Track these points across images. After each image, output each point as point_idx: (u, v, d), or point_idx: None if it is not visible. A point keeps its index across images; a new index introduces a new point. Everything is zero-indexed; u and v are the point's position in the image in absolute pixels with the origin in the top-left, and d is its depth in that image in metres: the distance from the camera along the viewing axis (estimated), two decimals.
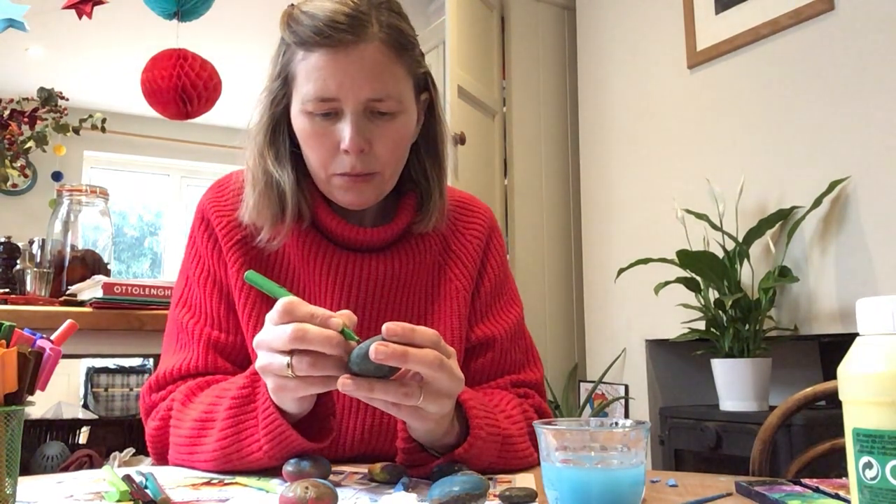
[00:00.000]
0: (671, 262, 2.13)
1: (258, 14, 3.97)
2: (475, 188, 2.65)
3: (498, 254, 1.03)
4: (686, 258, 2.10)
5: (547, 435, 0.58)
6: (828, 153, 2.04)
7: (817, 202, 1.98)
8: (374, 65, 0.83)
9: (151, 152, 5.83)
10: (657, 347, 2.58)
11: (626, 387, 2.63)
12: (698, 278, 2.16)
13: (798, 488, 0.67)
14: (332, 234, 0.92)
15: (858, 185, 1.96)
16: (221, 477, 0.77)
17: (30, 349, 0.58)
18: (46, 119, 2.46)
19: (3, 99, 2.36)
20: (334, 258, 0.92)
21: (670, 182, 2.51)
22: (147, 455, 0.91)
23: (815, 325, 2.05)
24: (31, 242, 1.84)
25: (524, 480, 0.76)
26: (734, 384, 2.06)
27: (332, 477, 0.75)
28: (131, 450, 1.69)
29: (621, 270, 2.25)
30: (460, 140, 2.62)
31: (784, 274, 2.06)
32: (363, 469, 0.81)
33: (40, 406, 2.67)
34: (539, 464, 0.60)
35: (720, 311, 2.10)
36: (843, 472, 0.53)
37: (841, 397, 0.46)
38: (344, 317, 0.69)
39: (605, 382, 2.69)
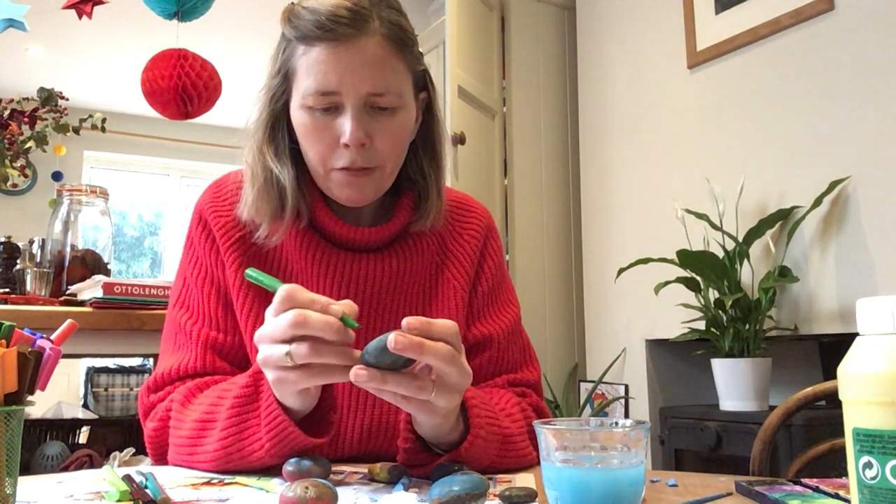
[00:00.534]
0: (671, 262, 2.13)
1: (258, 14, 3.97)
2: (475, 188, 2.66)
3: (495, 254, 1.03)
4: (686, 258, 2.10)
5: (547, 435, 0.58)
6: (828, 153, 2.04)
7: (817, 202, 1.98)
8: (375, 59, 0.83)
9: (151, 152, 5.83)
10: (657, 347, 2.58)
11: (626, 387, 2.63)
12: (698, 278, 2.16)
13: (798, 488, 0.67)
14: (330, 234, 0.92)
15: (858, 185, 1.96)
16: (221, 477, 0.77)
17: (30, 349, 0.58)
18: (46, 119, 2.46)
19: (3, 99, 2.37)
20: (332, 257, 0.92)
21: (670, 182, 2.51)
22: (147, 455, 0.91)
23: (815, 325, 2.05)
24: (31, 242, 1.84)
25: (524, 480, 0.76)
26: (734, 384, 2.06)
27: (332, 477, 0.75)
28: (131, 450, 1.69)
29: (621, 270, 2.25)
30: (460, 140, 2.62)
31: (784, 274, 2.06)
32: (363, 469, 0.81)
33: (40, 406, 2.66)
34: (539, 464, 0.60)
35: (720, 311, 2.10)
36: (843, 472, 0.53)
37: (841, 397, 0.46)
38: (345, 306, 0.69)
39: (605, 382, 2.69)
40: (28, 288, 1.72)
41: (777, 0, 2.20)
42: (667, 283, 2.15)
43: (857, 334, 0.46)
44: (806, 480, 0.70)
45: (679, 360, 2.59)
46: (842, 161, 2.00)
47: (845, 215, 1.99)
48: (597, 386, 2.70)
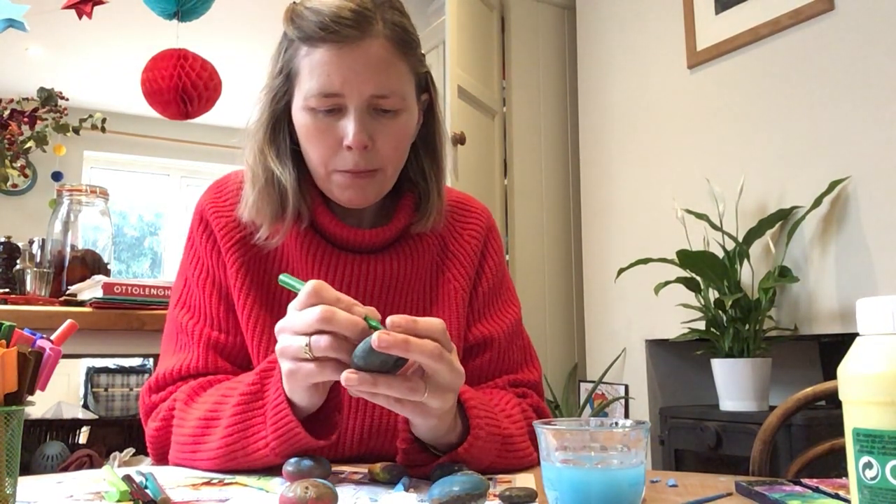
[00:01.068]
0: (671, 262, 2.13)
1: (258, 14, 3.97)
2: (475, 188, 2.66)
3: (496, 254, 1.03)
4: (686, 258, 2.10)
5: (547, 435, 0.58)
6: (828, 153, 2.05)
7: (817, 202, 1.98)
8: (379, 61, 0.83)
9: (151, 152, 5.83)
10: (657, 347, 2.58)
11: (626, 387, 2.63)
12: (698, 278, 2.16)
13: (798, 488, 0.67)
14: (331, 235, 0.92)
15: (858, 185, 1.96)
16: (221, 477, 0.77)
17: (30, 349, 0.58)
18: (46, 119, 2.47)
19: (3, 99, 2.37)
20: (332, 259, 0.92)
21: (670, 182, 2.52)
22: (147, 455, 0.91)
23: (815, 325, 2.05)
24: (31, 242, 1.84)
25: (524, 480, 0.76)
26: (734, 384, 2.06)
27: (332, 477, 0.75)
28: (131, 450, 1.69)
29: (621, 270, 2.25)
30: (460, 140, 2.62)
31: (784, 274, 2.06)
32: (363, 469, 0.81)
33: (40, 406, 2.66)
34: (539, 464, 0.60)
35: (720, 311, 2.10)
36: (843, 472, 0.53)
37: (841, 397, 0.46)
38: (369, 311, 0.69)
39: (605, 382, 2.69)
40: (28, 288, 1.72)
41: (777, 0, 2.20)
42: (667, 283, 2.15)
43: (857, 334, 0.46)
44: (806, 480, 0.70)
45: (679, 360, 2.59)
46: (842, 161, 2.00)
47: (845, 215, 1.99)
48: (597, 386, 2.70)
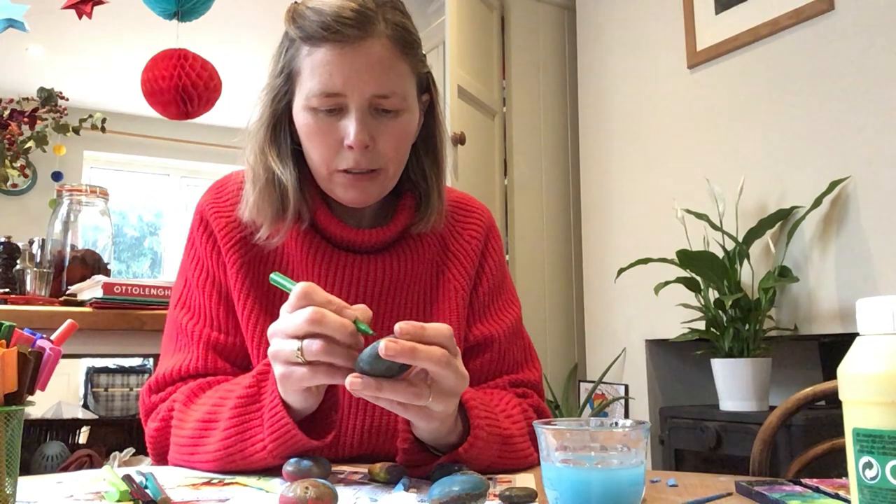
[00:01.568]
0: (671, 262, 2.13)
1: (258, 14, 3.97)
2: (475, 188, 2.66)
3: (496, 253, 1.03)
4: (686, 258, 2.10)
5: (547, 435, 0.58)
6: (828, 153, 2.05)
7: (817, 202, 1.98)
8: (381, 61, 0.83)
9: (151, 152, 5.83)
10: (657, 347, 2.58)
11: (626, 387, 2.63)
12: (698, 278, 2.16)
13: (798, 488, 0.67)
14: (331, 236, 0.92)
15: (858, 185, 1.96)
16: (221, 477, 0.77)
17: (30, 349, 0.58)
18: (46, 119, 2.47)
19: (3, 99, 2.37)
20: (333, 259, 0.92)
21: (670, 182, 2.52)
22: (147, 455, 0.91)
23: (815, 325, 2.05)
24: (31, 242, 1.84)
25: (524, 480, 0.76)
26: (734, 384, 2.06)
27: (331, 477, 0.75)
28: (131, 450, 1.69)
29: (621, 270, 2.25)
30: (460, 140, 2.62)
31: (784, 274, 2.06)
32: (363, 469, 0.81)
33: (40, 406, 2.67)
34: (539, 464, 0.60)
35: (720, 311, 2.10)
36: (843, 472, 0.53)
37: (841, 397, 0.46)
38: (359, 310, 0.69)
39: (605, 382, 2.69)
40: (28, 288, 1.72)
41: (777, 0, 2.20)
42: (667, 283, 2.15)
43: (857, 334, 0.46)
44: (806, 480, 0.70)
45: (679, 360, 2.59)
46: (842, 161, 2.00)
47: (845, 215, 1.99)
48: (597, 386, 2.70)
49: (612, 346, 2.71)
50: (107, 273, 1.86)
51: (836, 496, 0.64)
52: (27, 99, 2.49)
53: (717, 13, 2.40)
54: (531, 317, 2.83)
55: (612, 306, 2.73)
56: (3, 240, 1.79)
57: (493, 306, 0.99)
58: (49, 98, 2.43)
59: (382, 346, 0.63)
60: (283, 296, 0.89)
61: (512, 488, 0.64)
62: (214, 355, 0.89)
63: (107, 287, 1.55)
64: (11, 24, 1.77)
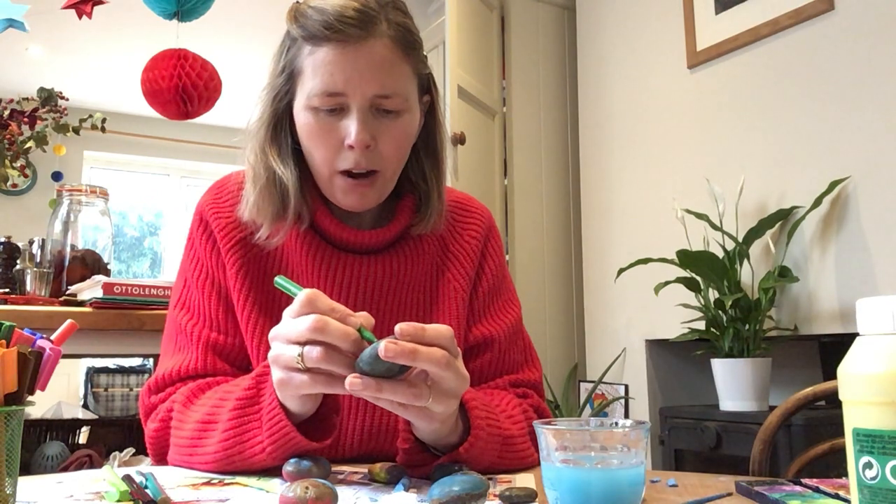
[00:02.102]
0: (671, 262, 2.13)
1: (258, 14, 3.97)
2: (475, 188, 2.66)
3: (496, 254, 1.02)
4: (686, 258, 2.10)
5: (547, 435, 0.58)
6: (828, 153, 2.05)
7: (817, 202, 1.98)
8: (383, 61, 0.83)
9: (151, 152, 5.83)
10: (657, 347, 2.58)
11: (626, 387, 2.63)
12: (698, 278, 2.16)
13: (798, 488, 0.67)
14: (331, 236, 0.92)
15: (858, 185, 1.96)
16: (221, 477, 0.77)
17: (30, 349, 0.58)
18: (46, 119, 2.47)
19: (3, 99, 2.37)
20: (333, 260, 0.92)
21: (670, 182, 2.52)
22: (147, 455, 0.91)
23: (815, 325, 2.05)
24: (31, 242, 1.84)
25: (524, 480, 0.76)
26: (734, 384, 2.06)
27: (331, 477, 0.75)
28: (131, 450, 1.69)
29: (621, 270, 2.25)
30: (460, 140, 2.62)
31: (784, 274, 2.06)
32: (363, 469, 0.81)
33: (40, 406, 2.67)
34: (539, 464, 0.60)
35: (720, 311, 2.10)
36: (843, 472, 0.53)
37: (841, 397, 0.46)
38: (362, 318, 0.69)
39: (605, 382, 2.69)
40: (28, 288, 1.72)
41: (777, 0, 2.20)
42: (667, 283, 2.15)
43: (857, 334, 0.46)
44: (806, 480, 0.70)
45: (679, 360, 2.59)
46: (842, 161, 2.00)
47: (845, 215, 1.99)
48: (597, 386, 2.70)
49: (612, 346, 2.71)
50: (107, 273, 1.86)
51: (836, 496, 0.64)
52: (27, 99, 2.49)
53: (717, 13, 2.40)
54: (531, 317, 2.83)
55: (612, 306, 2.73)
56: (3, 240, 1.80)
57: (493, 306, 0.99)
58: (49, 98, 2.43)
59: (382, 347, 0.63)
60: (283, 297, 0.89)
61: (512, 488, 0.64)
62: (214, 356, 0.89)
63: (107, 287, 1.55)
64: (11, 24, 1.77)
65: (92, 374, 4.54)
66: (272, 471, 0.77)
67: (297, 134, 0.89)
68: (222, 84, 2.70)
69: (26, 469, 1.72)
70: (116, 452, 1.68)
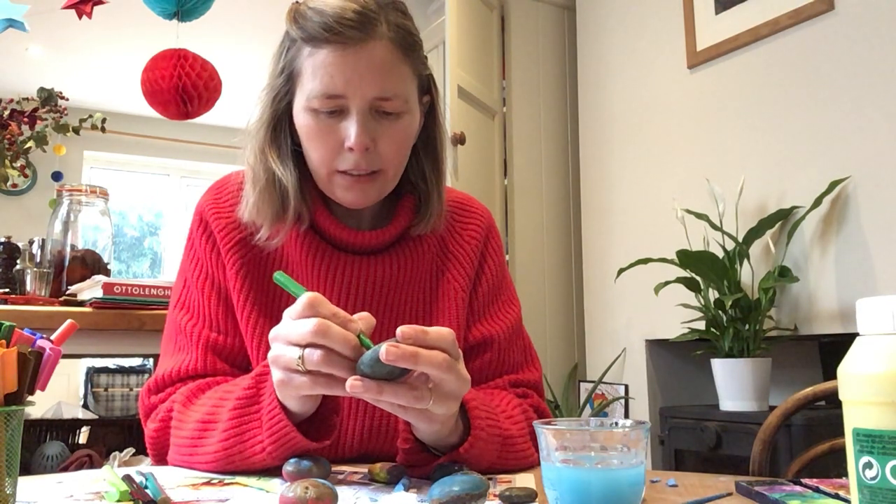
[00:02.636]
0: (671, 262, 2.13)
1: (258, 14, 3.97)
2: (475, 188, 2.66)
3: (496, 254, 1.02)
4: (686, 258, 2.10)
5: (547, 435, 0.58)
6: (828, 153, 2.05)
7: (817, 202, 1.98)
8: (383, 63, 0.83)
9: (151, 152, 5.83)
10: (657, 347, 2.58)
11: (626, 387, 2.63)
12: (698, 278, 2.16)
13: (798, 488, 0.67)
14: (331, 237, 0.92)
15: (858, 185, 1.96)
16: (221, 477, 0.77)
17: (30, 349, 0.58)
18: (46, 119, 2.47)
19: (3, 99, 2.37)
20: (332, 260, 0.92)
21: (670, 182, 2.52)
22: (147, 455, 0.91)
23: (815, 325, 2.05)
24: (31, 242, 1.84)
25: (524, 480, 0.76)
26: (734, 384, 2.06)
27: (331, 477, 0.75)
28: (131, 450, 1.69)
29: (621, 270, 2.25)
30: (460, 140, 2.62)
31: (784, 274, 2.06)
32: (363, 469, 0.81)
33: (40, 406, 2.67)
34: (539, 464, 0.60)
35: (720, 311, 2.10)
36: (843, 472, 0.53)
37: (841, 397, 0.46)
38: (363, 320, 0.69)
39: (605, 382, 2.69)
40: (28, 288, 1.72)
41: (777, 0, 2.20)
42: (667, 283, 2.15)
43: (857, 334, 0.46)
44: (806, 480, 0.70)
45: (679, 360, 2.59)
46: (842, 161, 2.00)
47: (845, 215, 1.99)
48: (597, 386, 2.70)
49: (612, 346, 2.71)
50: (107, 273, 1.86)
51: (836, 496, 0.64)
52: (27, 99, 2.49)
53: (717, 13, 2.40)
54: (531, 317, 2.84)
55: (612, 306, 2.73)
56: (3, 240, 1.80)
57: (493, 306, 0.99)
58: (49, 98, 2.43)
59: (383, 350, 0.63)
60: (283, 297, 0.89)
61: (512, 488, 0.64)
62: (213, 356, 0.89)
63: (107, 287, 1.55)
64: (11, 24, 1.77)
65: (92, 374, 4.54)
66: (272, 471, 0.77)
67: (296, 135, 0.89)
68: (222, 84, 2.70)
69: (26, 469, 1.72)
70: (116, 452, 1.68)
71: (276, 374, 0.70)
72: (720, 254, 2.12)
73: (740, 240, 2.09)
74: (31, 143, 2.41)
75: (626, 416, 2.61)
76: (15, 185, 5.15)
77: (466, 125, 2.70)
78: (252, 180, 0.90)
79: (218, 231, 0.92)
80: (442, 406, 0.68)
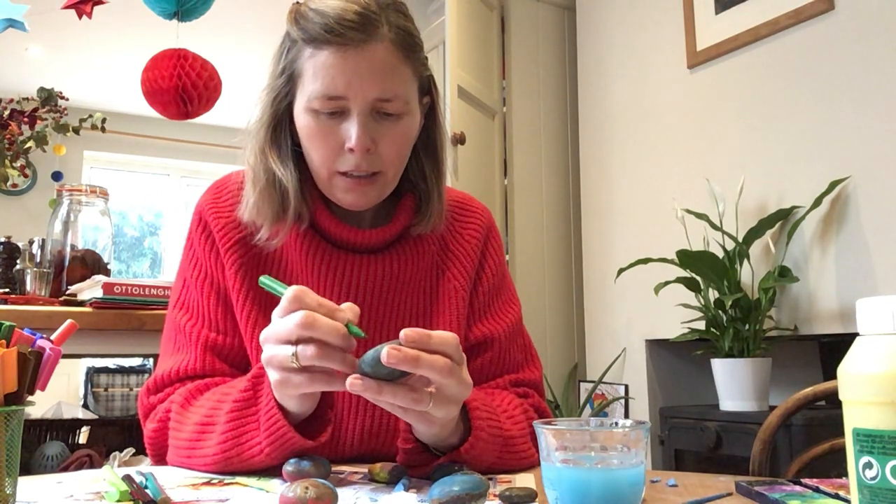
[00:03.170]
0: (671, 262, 2.13)
1: (258, 14, 3.97)
2: (475, 188, 2.66)
3: (496, 253, 1.02)
4: (686, 258, 2.10)
5: (547, 435, 0.58)
6: (828, 153, 2.05)
7: (817, 202, 1.98)
8: (384, 65, 0.83)
9: (151, 152, 5.83)
10: (657, 347, 2.58)
11: (626, 387, 2.63)
12: (698, 278, 2.16)
13: (798, 488, 0.67)
14: (331, 236, 0.92)
15: (858, 185, 1.96)
16: (221, 477, 0.77)
17: (30, 349, 0.58)
18: (46, 119, 2.47)
19: (3, 99, 2.37)
20: (332, 259, 0.92)
21: (670, 182, 2.51)
22: (147, 455, 0.91)
23: (815, 325, 2.05)
24: (31, 242, 1.84)
25: (524, 480, 0.76)
26: (734, 384, 2.06)
27: (331, 477, 0.75)
28: (131, 450, 1.69)
29: (621, 270, 2.25)
30: (460, 140, 2.62)
31: (784, 274, 2.06)
32: (363, 469, 0.81)
33: (40, 406, 2.67)
34: (539, 464, 0.60)
35: (720, 311, 2.10)
36: (843, 472, 0.53)
37: (841, 397, 0.46)
38: (348, 310, 0.69)
39: (605, 382, 2.69)
40: (28, 288, 1.72)
41: (777, 0, 2.20)
42: (667, 283, 2.15)
43: (857, 334, 0.46)
44: (806, 480, 0.70)
45: (679, 360, 2.59)
46: (842, 161, 2.00)
47: (845, 215, 1.99)
48: (597, 386, 2.70)
49: (612, 346, 2.71)
50: (107, 273, 1.86)
51: (836, 496, 0.64)
52: (27, 99, 2.49)
53: (717, 13, 2.40)
54: (531, 317, 2.83)
55: (612, 306, 2.73)
56: (3, 240, 1.80)
57: (494, 306, 0.99)
58: (49, 98, 2.43)
59: (384, 352, 0.63)
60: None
61: (512, 488, 0.64)
62: (212, 356, 0.89)
63: (107, 287, 1.55)
64: (11, 24, 1.77)
65: (92, 374, 4.54)
66: (272, 471, 0.77)
67: (297, 135, 0.89)
68: (222, 84, 2.70)
69: (26, 469, 1.72)
70: (116, 452, 1.68)
71: (273, 375, 0.70)
72: (720, 254, 2.12)
73: (740, 240, 2.09)
74: (31, 143, 2.41)
75: (626, 416, 2.61)
76: (15, 185, 5.15)
77: (466, 125, 2.70)
78: (252, 181, 0.90)
79: (217, 231, 0.92)
80: (442, 409, 0.68)
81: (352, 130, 0.83)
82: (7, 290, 1.73)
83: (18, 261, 1.80)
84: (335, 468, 0.82)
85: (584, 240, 2.92)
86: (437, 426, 0.71)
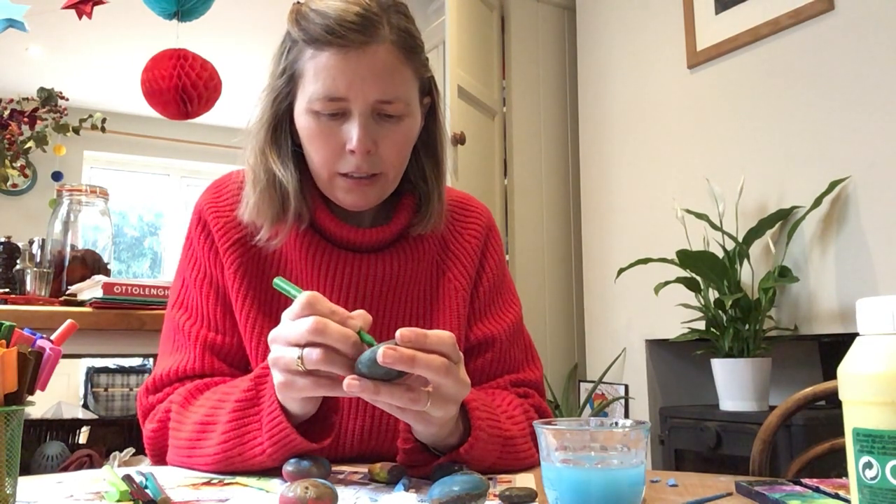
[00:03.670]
0: (671, 262, 2.13)
1: (258, 14, 3.97)
2: (475, 188, 2.66)
3: (496, 253, 1.02)
4: (686, 258, 2.10)
5: (547, 435, 0.58)
6: (828, 153, 2.05)
7: (817, 202, 1.98)
8: (385, 66, 0.83)
9: (151, 152, 5.83)
10: (657, 347, 2.58)
11: (626, 387, 2.63)
12: (698, 278, 2.16)
13: (798, 488, 0.67)
14: (331, 235, 0.92)
15: (858, 185, 1.96)
16: (221, 477, 0.77)
17: (30, 349, 0.58)
18: (46, 119, 2.47)
19: (3, 99, 2.37)
20: (332, 259, 0.91)
21: (670, 182, 2.52)
22: (147, 455, 0.91)
23: (815, 325, 2.05)
24: (31, 242, 1.84)
25: (524, 480, 0.76)
26: (734, 384, 2.06)
27: (331, 477, 0.75)
28: (131, 450, 1.69)
29: (621, 270, 2.25)
30: (460, 140, 2.62)
31: (784, 274, 2.06)
32: (363, 469, 0.81)
33: (40, 406, 2.66)
34: (539, 464, 0.60)
35: (720, 311, 2.10)
36: (843, 472, 0.53)
37: (841, 397, 0.46)
38: (360, 317, 0.69)
39: (605, 382, 2.69)
40: (28, 288, 1.72)
41: (777, 0, 2.20)
42: (667, 283, 2.15)
43: (857, 334, 0.46)
44: (806, 480, 0.70)
45: (679, 360, 2.59)
46: (842, 161, 2.00)
47: (845, 215, 1.99)
48: (597, 386, 2.70)
49: (612, 346, 2.71)
50: (107, 273, 1.86)
51: (836, 496, 0.64)
52: (27, 99, 2.50)
53: (717, 13, 2.40)
54: (531, 317, 2.83)
55: (612, 306, 2.73)
56: (3, 240, 1.80)
57: (494, 306, 0.99)
58: (49, 98, 2.43)
59: (380, 352, 0.63)
60: (282, 296, 0.89)
61: (512, 488, 0.64)
62: (211, 356, 0.89)
63: (107, 287, 1.56)
64: (11, 24, 1.77)
65: (92, 374, 4.54)
66: (272, 471, 0.77)
67: (297, 135, 0.89)
68: (222, 84, 2.70)
69: (26, 469, 1.72)
70: (116, 452, 1.68)
71: (278, 377, 0.70)
72: (720, 254, 2.12)
73: (740, 240, 2.09)
74: (31, 143, 2.42)
75: (626, 416, 2.61)
76: (15, 185, 5.15)
77: (466, 125, 2.70)
78: (252, 181, 0.90)
79: (216, 230, 0.92)
80: (440, 409, 0.68)
81: (353, 132, 0.83)
82: (7, 290, 1.73)
83: (18, 261, 1.80)
84: (335, 468, 0.82)
85: (584, 240, 2.92)
86: (435, 426, 0.71)
